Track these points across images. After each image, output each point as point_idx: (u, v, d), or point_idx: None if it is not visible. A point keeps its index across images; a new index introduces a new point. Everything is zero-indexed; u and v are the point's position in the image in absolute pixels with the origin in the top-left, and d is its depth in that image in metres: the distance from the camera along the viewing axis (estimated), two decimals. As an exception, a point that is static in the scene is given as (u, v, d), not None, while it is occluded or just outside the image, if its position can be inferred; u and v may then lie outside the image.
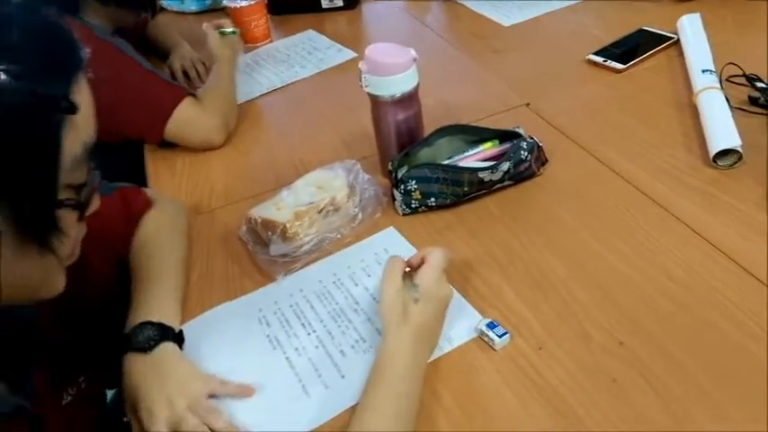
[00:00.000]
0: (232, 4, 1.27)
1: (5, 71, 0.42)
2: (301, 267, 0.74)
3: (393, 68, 0.76)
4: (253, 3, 1.27)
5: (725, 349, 0.58)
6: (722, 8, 1.13)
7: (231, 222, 0.82)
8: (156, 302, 0.66)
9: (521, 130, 0.82)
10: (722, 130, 0.80)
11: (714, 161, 0.78)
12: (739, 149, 0.77)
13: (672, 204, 0.74)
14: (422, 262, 0.64)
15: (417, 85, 0.79)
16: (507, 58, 1.14)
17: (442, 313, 0.62)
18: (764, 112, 0.85)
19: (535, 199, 0.79)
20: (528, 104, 0.98)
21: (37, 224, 0.46)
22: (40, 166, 0.45)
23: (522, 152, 0.78)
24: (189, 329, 0.67)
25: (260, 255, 0.75)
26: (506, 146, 0.80)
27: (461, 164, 0.79)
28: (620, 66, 1.01)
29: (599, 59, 1.03)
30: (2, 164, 0.42)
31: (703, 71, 0.91)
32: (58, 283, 0.53)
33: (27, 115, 0.43)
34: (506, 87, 1.03)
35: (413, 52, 0.77)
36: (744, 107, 0.86)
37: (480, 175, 0.76)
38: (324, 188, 0.78)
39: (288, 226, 0.73)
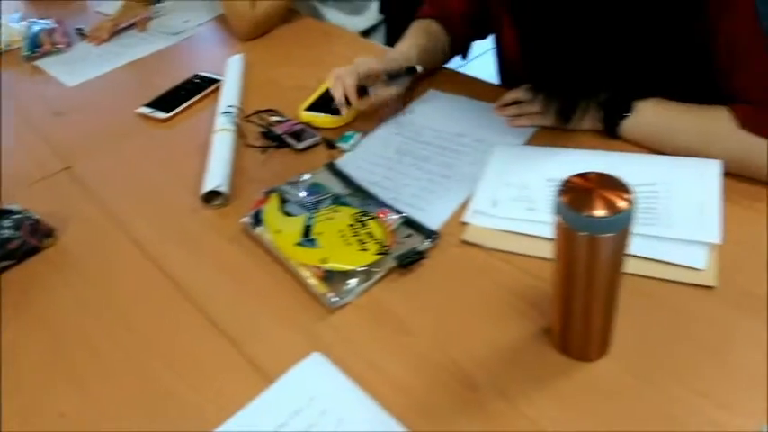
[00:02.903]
0: None
1: None
2: None
3: None
4: None
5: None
6: (290, 47, 1.23)
7: None
8: None
9: (13, 207, 0.78)
10: (213, 172, 0.84)
11: (208, 203, 0.81)
12: (221, 190, 0.80)
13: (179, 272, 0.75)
14: None
15: None
16: (68, 120, 1.10)
17: None
18: (272, 144, 0.92)
19: (42, 278, 0.76)
20: (68, 168, 0.95)
21: None
22: None
23: (6, 231, 0.75)
24: None
25: None
26: None
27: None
28: (163, 115, 1.03)
29: (147, 111, 1.04)
30: None
31: (224, 112, 0.96)
32: None
33: None
34: (50, 152, 1.00)
35: None
36: (255, 143, 0.92)
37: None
38: None
39: None
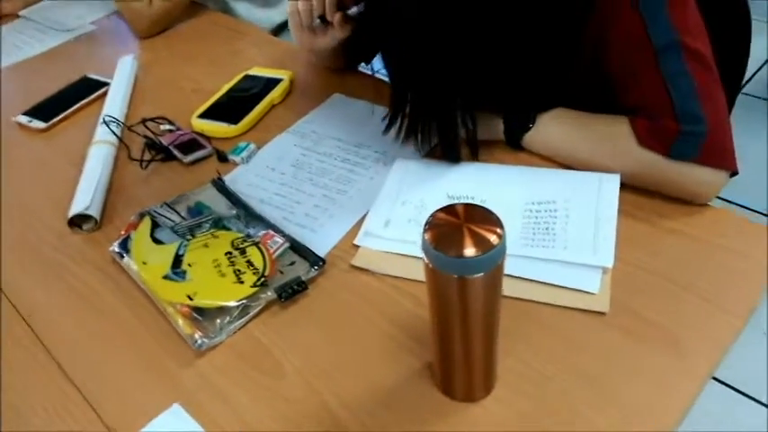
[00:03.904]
0: None
1: None
2: None
3: None
4: None
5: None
6: (193, 44, 1.13)
7: None
8: None
9: None
10: (82, 192, 0.75)
11: (78, 226, 0.73)
12: (89, 213, 0.72)
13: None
14: None
15: None
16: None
17: None
18: (156, 157, 0.84)
19: None
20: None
21: None
22: None
23: None
24: None
25: None
26: None
27: None
28: (42, 124, 0.93)
29: (24, 120, 0.94)
30: None
31: (105, 121, 0.88)
32: None
33: None
34: None
35: None
36: (139, 157, 0.83)
37: None
38: None
39: None
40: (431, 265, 0.44)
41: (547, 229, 0.65)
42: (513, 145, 0.77)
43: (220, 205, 0.72)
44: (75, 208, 0.72)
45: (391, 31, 0.67)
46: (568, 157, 0.73)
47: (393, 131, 0.74)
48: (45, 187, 0.83)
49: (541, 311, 0.59)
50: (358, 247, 0.67)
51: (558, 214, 0.66)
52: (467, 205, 0.45)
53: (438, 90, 0.68)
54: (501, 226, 0.44)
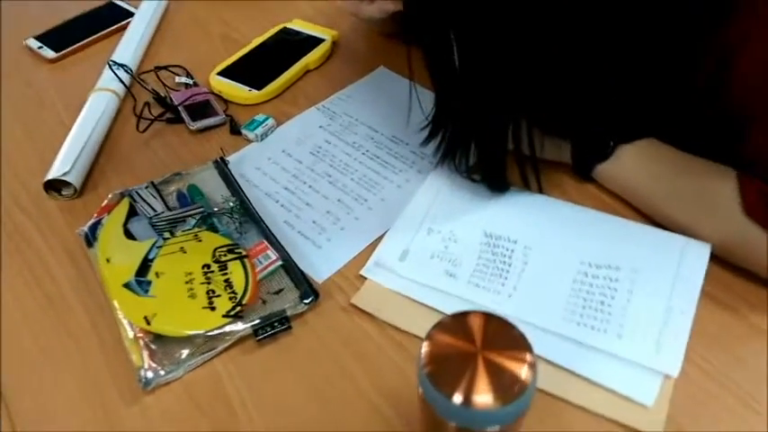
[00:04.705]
0: None
1: None
2: None
3: None
4: None
5: None
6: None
7: None
8: None
9: None
10: (66, 151, 0.65)
11: (57, 190, 0.63)
12: (71, 181, 0.62)
13: None
14: None
15: None
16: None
17: None
18: (161, 117, 0.71)
19: None
20: None
21: None
22: None
23: None
24: None
25: None
26: None
27: None
28: (52, 54, 0.82)
29: (35, 45, 0.84)
30: None
31: (110, 65, 0.75)
32: None
33: None
34: None
35: None
36: (144, 113, 0.71)
37: None
38: None
39: None
40: (427, 402, 0.32)
41: (602, 303, 0.51)
42: (581, 174, 0.62)
43: (216, 193, 0.61)
44: (54, 171, 0.62)
45: (436, 20, 0.51)
46: (648, 206, 0.57)
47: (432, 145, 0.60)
48: (35, 133, 0.73)
49: (573, 417, 0.46)
50: (364, 278, 0.55)
51: (620, 286, 0.52)
52: (487, 317, 0.32)
53: (494, 102, 0.53)
54: (532, 357, 0.31)
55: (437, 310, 0.52)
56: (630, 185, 0.59)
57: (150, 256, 0.53)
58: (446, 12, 0.48)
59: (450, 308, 0.51)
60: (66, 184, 0.63)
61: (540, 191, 0.60)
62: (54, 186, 0.63)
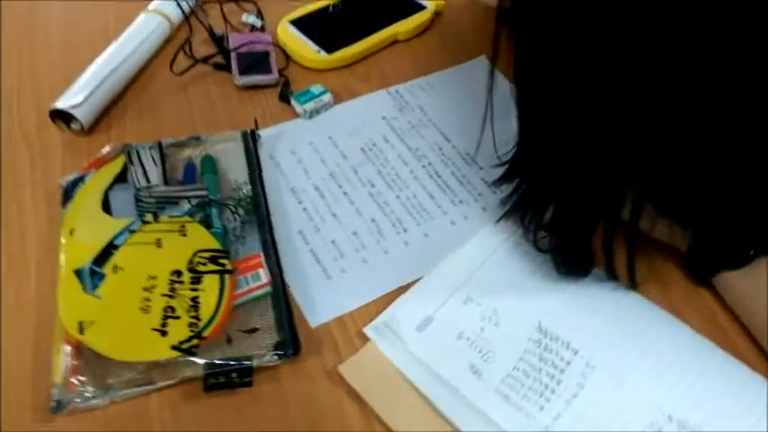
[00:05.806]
0: None
1: None
2: None
3: None
4: None
5: None
6: None
7: None
8: None
9: None
10: (84, 79, 0.55)
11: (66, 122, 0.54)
12: (78, 117, 0.52)
13: None
14: None
15: None
16: None
17: None
18: (207, 61, 0.60)
19: None
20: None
21: None
22: None
23: None
24: None
25: None
26: None
27: None
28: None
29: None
30: None
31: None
32: None
33: None
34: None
35: None
36: (191, 51, 0.61)
37: None
38: None
39: None
40: None
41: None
42: (697, 276, 0.46)
43: (231, 173, 0.50)
44: (63, 101, 0.53)
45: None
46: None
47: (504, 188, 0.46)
48: (63, 52, 0.63)
49: None
50: (366, 339, 0.43)
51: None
52: None
53: (593, 154, 0.38)
54: None
55: (442, 416, 0.39)
56: (757, 303, 0.42)
57: (117, 242, 0.43)
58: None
59: (461, 419, 0.38)
60: (75, 117, 0.54)
61: (633, 284, 0.44)
62: (63, 116, 0.55)
